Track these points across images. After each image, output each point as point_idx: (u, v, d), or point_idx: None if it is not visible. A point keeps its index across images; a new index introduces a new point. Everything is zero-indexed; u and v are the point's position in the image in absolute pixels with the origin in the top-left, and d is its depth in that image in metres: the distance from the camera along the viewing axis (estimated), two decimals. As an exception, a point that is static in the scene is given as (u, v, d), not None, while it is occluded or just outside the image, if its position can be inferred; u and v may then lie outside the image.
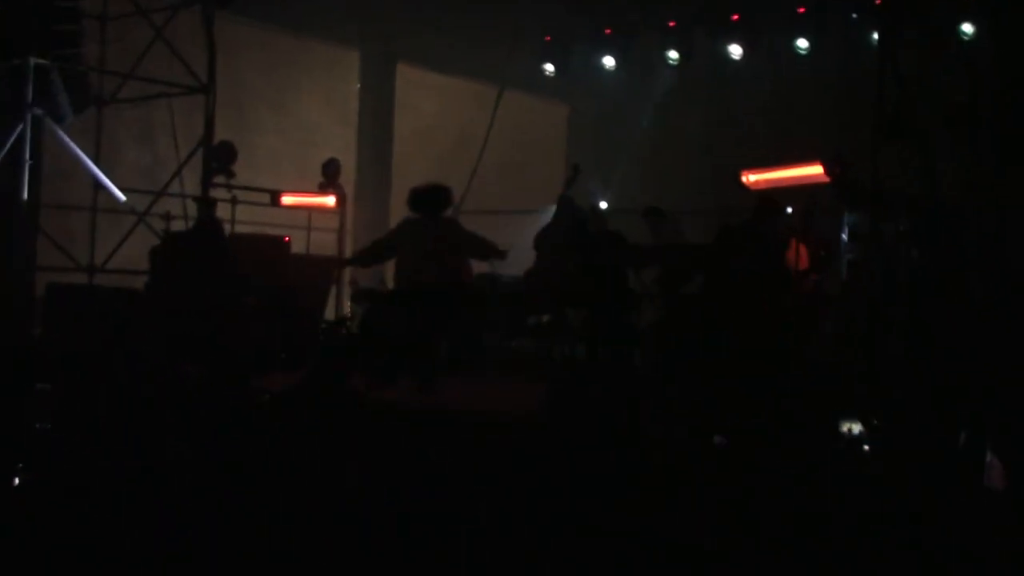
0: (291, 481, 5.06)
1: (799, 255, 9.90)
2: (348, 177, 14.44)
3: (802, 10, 13.25)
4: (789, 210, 10.27)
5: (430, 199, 9.06)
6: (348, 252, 13.97)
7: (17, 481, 4.78)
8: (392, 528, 4.38)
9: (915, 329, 8.03)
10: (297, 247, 12.52)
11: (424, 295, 8.53)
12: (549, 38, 15.59)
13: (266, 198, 12.82)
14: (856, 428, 6.47)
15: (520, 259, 12.70)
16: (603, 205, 11.25)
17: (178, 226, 11.31)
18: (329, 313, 12.61)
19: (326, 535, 4.35)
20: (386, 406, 7.05)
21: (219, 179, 11.72)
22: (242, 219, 12.32)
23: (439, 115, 16.02)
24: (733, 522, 4.31)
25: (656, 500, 4.68)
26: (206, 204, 10.66)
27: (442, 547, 4.15)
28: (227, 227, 12.09)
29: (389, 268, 13.37)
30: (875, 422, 6.46)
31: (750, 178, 10.46)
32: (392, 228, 9.17)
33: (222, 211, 12.06)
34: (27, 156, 9.83)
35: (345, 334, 11.10)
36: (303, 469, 5.25)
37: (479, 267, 12.82)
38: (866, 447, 6.21)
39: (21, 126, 9.84)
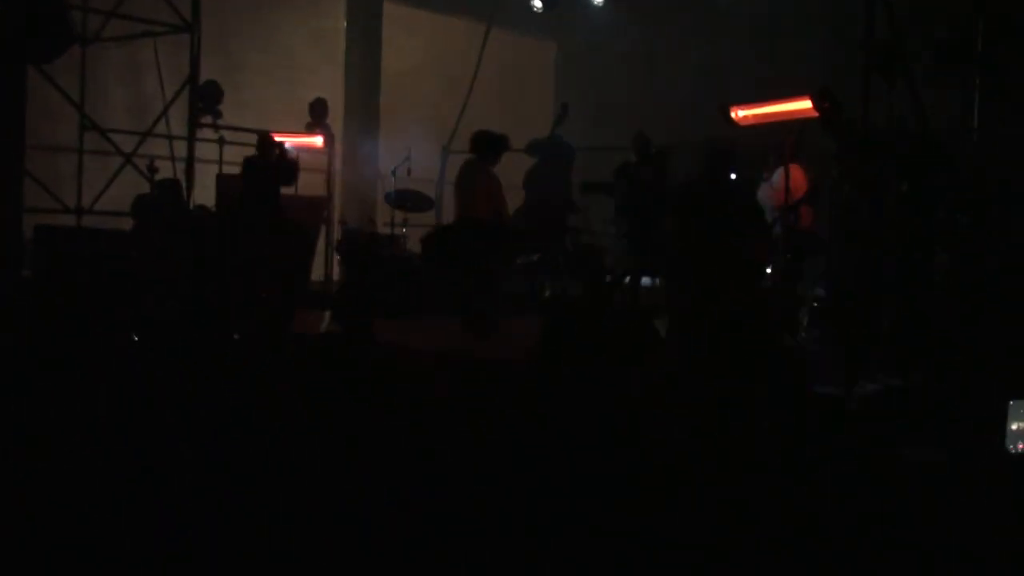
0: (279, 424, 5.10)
1: (795, 181, 9.92)
2: (336, 116, 14.34)
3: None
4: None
5: (484, 143, 9.38)
6: (336, 192, 13.93)
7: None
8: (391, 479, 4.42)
9: (908, 269, 8.05)
10: (285, 188, 12.48)
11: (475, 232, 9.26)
12: (536, -26, 15.40)
13: (253, 138, 12.73)
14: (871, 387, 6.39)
15: (511, 199, 12.70)
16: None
17: (166, 169, 11.26)
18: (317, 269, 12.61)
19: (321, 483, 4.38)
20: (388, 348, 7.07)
21: (206, 119, 11.65)
22: (230, 160, 12.26)
23: (427, 53, 15.88)
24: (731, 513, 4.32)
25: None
26: (271, 144, 10.75)
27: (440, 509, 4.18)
28: (214, 168, 12.06)
29: (379, 210, 13.37)
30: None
31: (739, 113, 10.42)
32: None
33: (210, 152, 12.02)
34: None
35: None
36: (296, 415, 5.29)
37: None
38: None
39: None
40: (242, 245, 9.73)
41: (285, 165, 11.10)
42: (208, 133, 11.84)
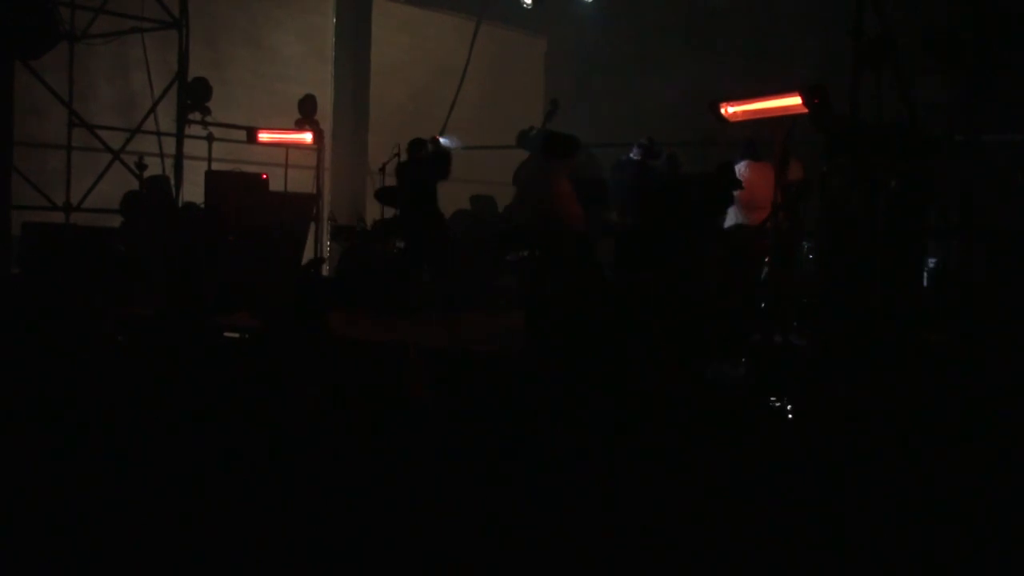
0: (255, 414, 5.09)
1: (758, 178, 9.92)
2: (325, 113, 14.30)
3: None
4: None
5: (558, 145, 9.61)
6: (326, 189, 13.89)
7: None
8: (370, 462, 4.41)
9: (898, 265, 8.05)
10: (275, 185, 12.46)
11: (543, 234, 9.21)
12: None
13: (242, 135, 12.72)
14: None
15: (500, 195, 12.68)
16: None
17: (154, 166, 11.21)
18: (307, 251, 12.59)
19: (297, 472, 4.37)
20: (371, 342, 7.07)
21: (194, 116, 11.61)
22: (219, 156, 12.23)
23: (416, 49, 15.86)
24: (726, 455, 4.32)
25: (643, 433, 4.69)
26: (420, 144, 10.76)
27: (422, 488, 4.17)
28: (203, 165, 12.02)
29: (368, 206, 13.33)
30: None
31: (728, 110, 10.41)
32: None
33: (199, 148, 11.98)
34: None
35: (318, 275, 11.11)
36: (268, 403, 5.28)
37: (460, 203, 12.82)
38: None
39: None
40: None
41: (438, 158, 10.96)
42: (197, 130, 11.80)
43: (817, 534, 3.66)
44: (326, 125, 14.08)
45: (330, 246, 12.99)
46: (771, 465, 4.19)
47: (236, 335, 7.59)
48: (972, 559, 3.43)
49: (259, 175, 12.09)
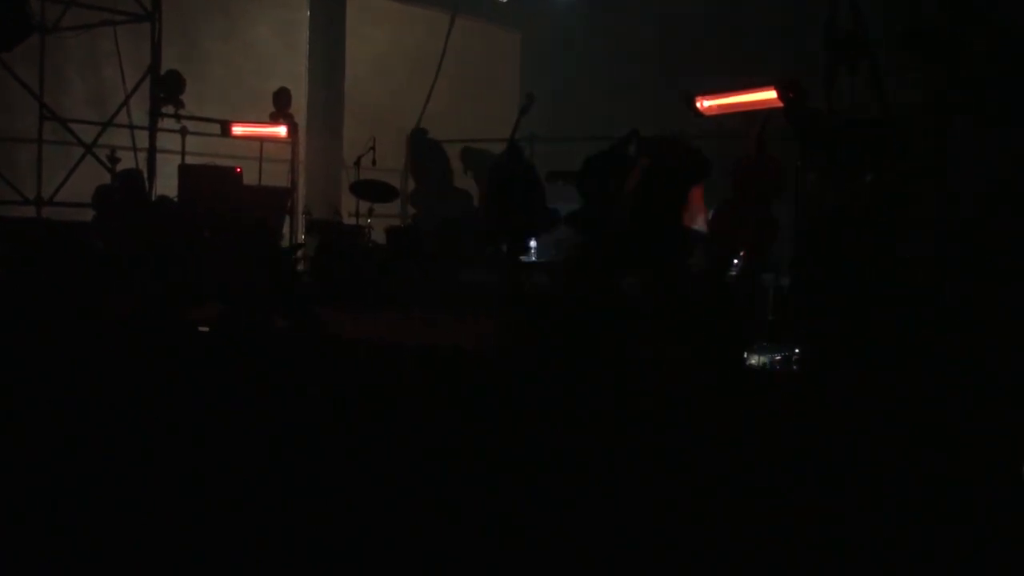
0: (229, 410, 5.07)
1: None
2: (299, 106, 14.23)
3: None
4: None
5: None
6: (300, 182, 13.82)
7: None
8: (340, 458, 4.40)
9: (872, 256, 8.11)
10: (249, 178, 12.38)
11: None
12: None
13: (216, 128, 12.63)
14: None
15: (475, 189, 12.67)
16: None
17: (127, 160, 11.12)
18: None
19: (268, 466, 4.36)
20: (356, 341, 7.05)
21: (167, 109, 11.53)
22: (192, 150, 12.14)
23: (391, 43, 15.80)
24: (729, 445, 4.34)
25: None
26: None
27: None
28: (177, 158, 11.92)
29: (343, 200, 13.28)
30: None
31: (704, 103, 10.45)
32: None
33: (172, 142, 11.89)
34: None
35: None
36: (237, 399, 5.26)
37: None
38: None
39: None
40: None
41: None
42: (170, 123, 11.70)
43: (817, 534, 3.69)
44: (300, 118, 14.01)
45: (305, 239, 12.92)
46: (771, 465, 4.22)
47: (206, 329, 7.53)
48: (972, 559, 3.47)
49: (233, 169, 12.00)
